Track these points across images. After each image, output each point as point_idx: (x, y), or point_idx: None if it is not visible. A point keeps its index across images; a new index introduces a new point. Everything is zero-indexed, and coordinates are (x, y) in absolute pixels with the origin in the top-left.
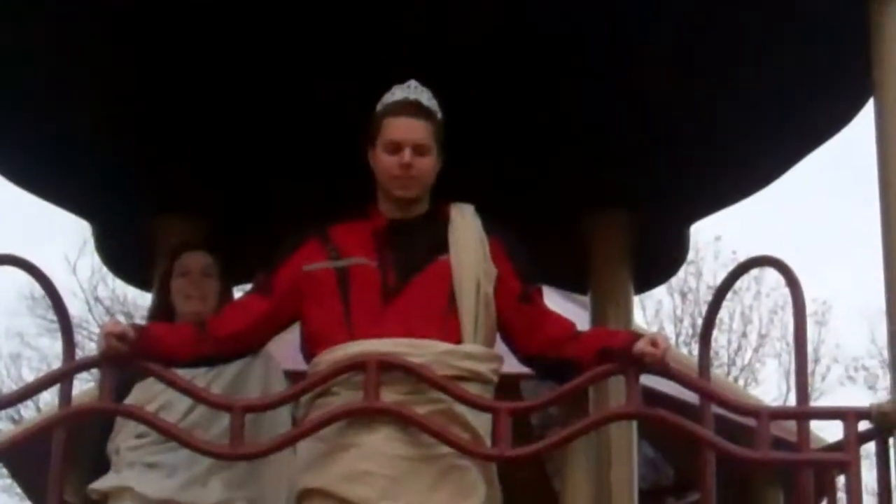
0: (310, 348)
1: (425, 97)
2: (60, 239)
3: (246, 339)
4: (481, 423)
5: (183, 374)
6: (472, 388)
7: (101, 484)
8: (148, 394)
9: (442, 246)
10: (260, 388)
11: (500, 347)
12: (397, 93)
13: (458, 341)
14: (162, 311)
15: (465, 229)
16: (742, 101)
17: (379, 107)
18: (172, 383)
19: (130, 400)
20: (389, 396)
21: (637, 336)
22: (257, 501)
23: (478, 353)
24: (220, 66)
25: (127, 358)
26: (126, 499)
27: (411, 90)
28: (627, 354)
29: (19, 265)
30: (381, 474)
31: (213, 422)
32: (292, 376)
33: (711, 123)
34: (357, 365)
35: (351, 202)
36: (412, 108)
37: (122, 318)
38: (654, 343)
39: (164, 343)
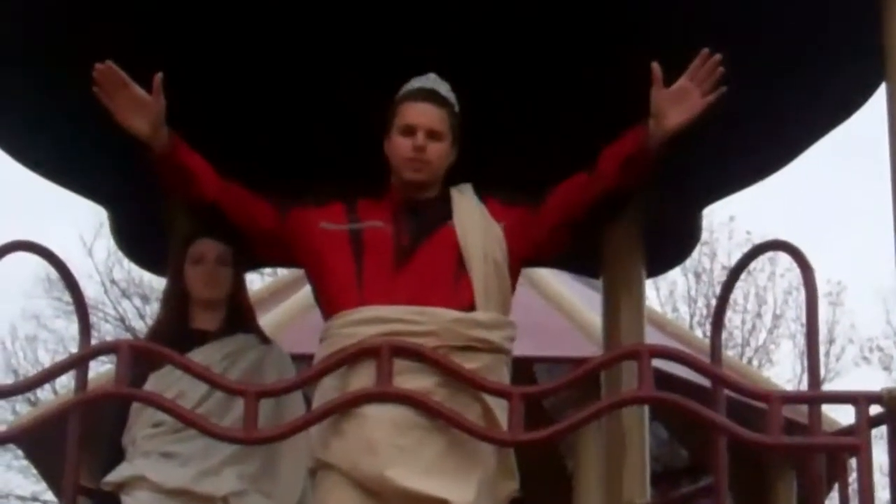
0: (324, 309)
1: (443, 88)
2: (76, 221)
3: (238, 217)
4: (496, 402)
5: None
6: (484, 358)
7: (116, 475)
8: (162, 383)
9: (448, 215)
10: (275, 378)
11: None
12: (416, 83)
13: (471, 304)
14: (176, 296)
15: (466, 202)
16: (756, 85)
17: (397, 96)
18: (187, 369)
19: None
20: (403, 365)
21: (644, 123)
22: (272, 495)
23: (488, 320)
24: (238, 52)
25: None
26: (140, 488)
27: (430, 81)
28: (656, 132)
29: (36, 251)
30: (389, 444)
31: (227, 411)
32: (305, 360)
33: (725, 106)
34: (370, 351)
35: (367, 193)
36: (428, 95)
37: (137, 301)
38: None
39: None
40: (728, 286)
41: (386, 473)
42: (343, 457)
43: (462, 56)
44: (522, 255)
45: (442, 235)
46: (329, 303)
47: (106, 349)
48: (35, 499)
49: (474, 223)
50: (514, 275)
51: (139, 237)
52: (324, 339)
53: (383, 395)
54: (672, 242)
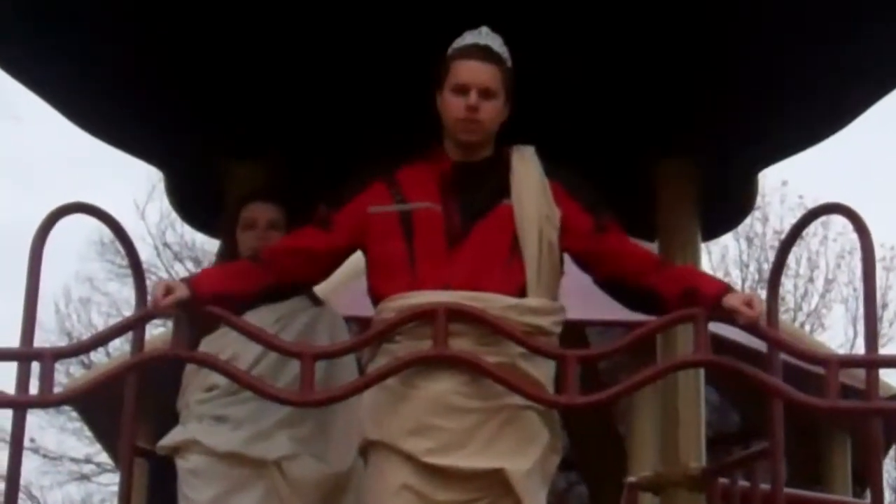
0: (375, 292)
1: (496, 43)
2: (129, 184)
3: (302, 269)
4: (542, 375)
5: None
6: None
7: (169, 439)
8: (215, 346)
9: (504, 191)
10: (327, 340)
11: (564, 292)
12: (468, 38)
13: (522, 288)
14: (229, 259)
15: (526, 174)
16: (811, 47)
17: (449, 51)
18: (242, 329)
19: None
20: (454, 347)
21: (728, 287)
22: (323, 458)
23: (541, 306)
24: (289, 10)
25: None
26: (193, 452)
27: (482, 36)
28: (717, 304)
29: (92, 213)
30: (444, 427)
31: (280, 374)
32: (359, 322)
33: (780, 70)
34: (425, 313)
35: (420, 148)
36: (481, 52)
37: (190, 264)
38: (749, 303)
39: (218, 285)
40: (785, 249)
41: (441, 455)
42: (397, 436)
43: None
44: (566, 248)
45: (497, 215)
46: (381, 286)
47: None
48: (88, 460)
49: (532, 201)
50: (563, 259)
51: (194, 199)
52: (375, 322)
53: (439, 356)
54: (728, 205)
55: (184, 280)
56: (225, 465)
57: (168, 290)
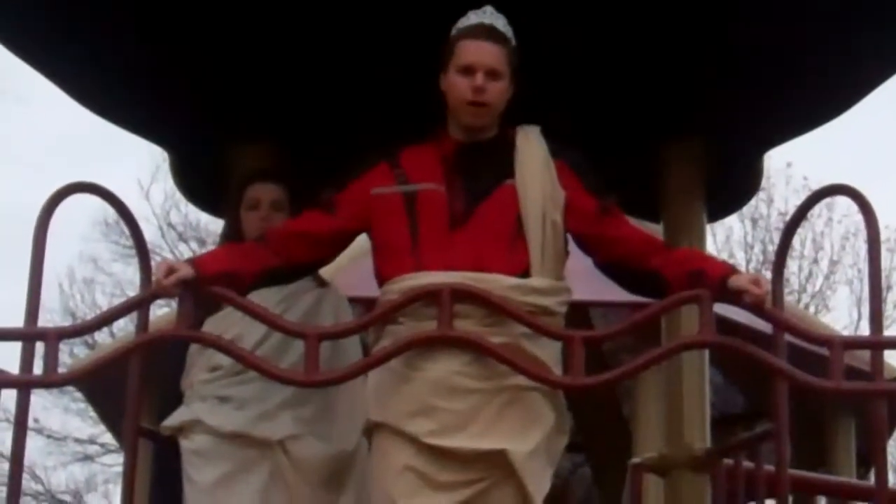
0: (379, 274)
1: (500, 22)
2: (133, 165)
3: (307, 252)
4: (547, 356)
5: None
6: (538, 322)
7: (173, 420)
8: (219, 326)
9: (508, 171)
10: (332, 321)
11: (568, 273)
12: (472, 17)
13: (526, 269)
14: (232, 240)
15: (531, 154)
16: (817, 29)
17: (453, 31)
18: (246, 310)
19: None
20: (458, 328)
21: (734, 268)
22: (328, 438)
23: (545, 287)
24: None
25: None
26: (197, 432)
27: (486, 15)
28: (723, 285)
29: (97, 192)
30: (446, 408)
31: (284, 355)
32: (363, 303)
33: (785, 51)
34: (430, 293)
35: (423, 129)
36: (486, 32)
37: (194, 244)
38: (755, 283)
39: (223, 265)
40: (790, 230)
41: (443, 436)
42: (400, 417)
43: None
44: (569, 229)
45: (501, 195)
46: (385, 267)
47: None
48: (92, 441)
49: (536, 181)
50: (567, 239)
51: (198, 179)
52: (380, 303)
53: (444, 337)
54: (733, 186)
55: (188, 260)
56: (229, 446)
57: (170, 270)
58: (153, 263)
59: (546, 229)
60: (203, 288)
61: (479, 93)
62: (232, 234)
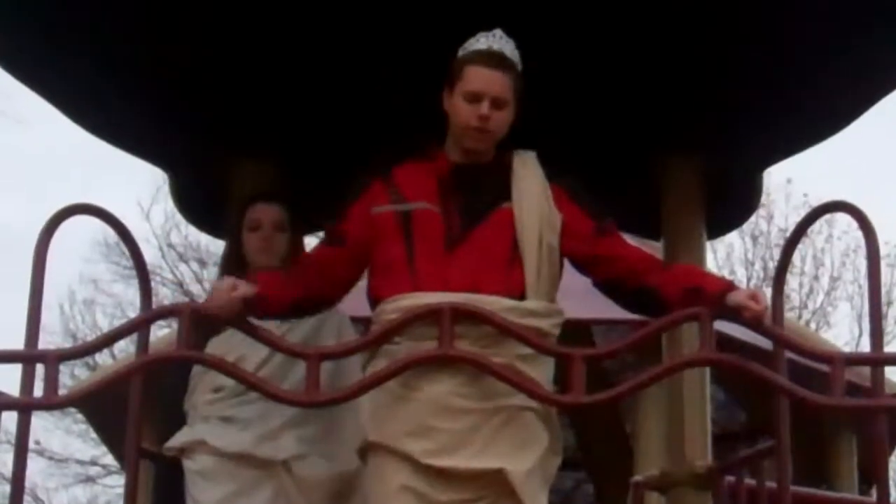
0: (373, 293)
1: (509, 49)
2: (133, 186)
3: (327, 289)
4: (540, 376)
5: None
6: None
7: (176, 440)
8: (222, 348)
9: (505, 193)
10: (334, 342)
11: (569, 292)
12: (482, 41)
13: (521, 292)
14: (234, 261)
15: (528, 178)
16: (816, 45)
17: (461, 52)
18: (249, 331)
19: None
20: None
21: (732, 284)
22: (331, 458)
23: (540, 309)
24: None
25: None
26: (200, 452)
27: (496, 39)
28: (722, 301)
29: (97, 214)
30: (443, 428)
31: (287, 375)
32: (365, 322)
33: (785, 68)
34: (431, 313)
35: (400, 158)
36: (495, 60)
37: (195, 265)
38: (754, 298)
39: (279, 287)
40: (790, 247)
41: (441, 456)
42: (396, 437)
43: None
44: (566, 253)
45: (498, 217)
46: (380, 287)
47: (168, 312)
48: (94, 462)
49: (533, 204)
50: (563, 262)
51: (199, 200)
52: (375, 324)
53: (444, 356)
54: (733, 203)
55: (249, 280)
56: (233, 466)
57: (234, 287)
58: (153, 285)
59: (542, 252)
60: (257, 310)
61: (484, 121)
62: (233, 255)
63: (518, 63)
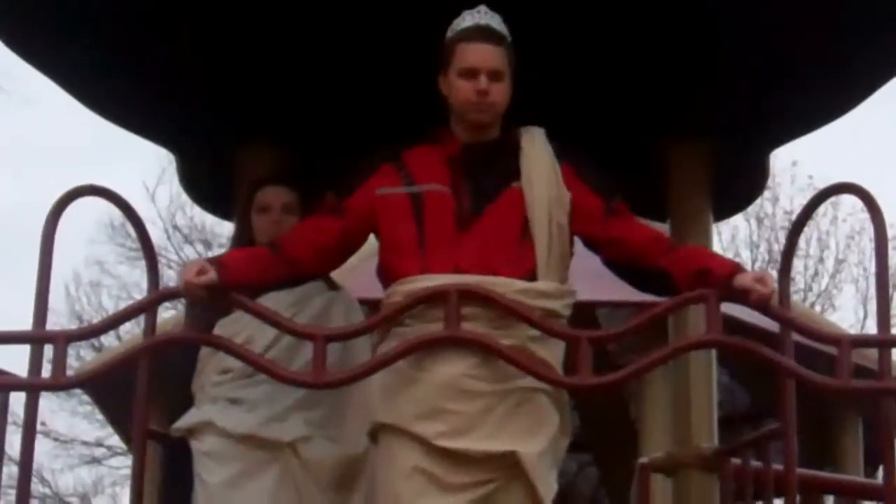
0: (385, 274)
1: (496, 21)
2: (138, 167)
3: (319, 259)
4: (552, 357)
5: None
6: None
7: (183, 422)
8: (230, 329)
9: (514, 173)
10: (342, 324)
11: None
12: (467, 18)
13: (532, 271)
14: (243, 243)
15: (536, 157)
16: (822, 27)
17: (449, 33)
18: (258, 314)
19: None
20: (465, 331)
21: (740, 267)
22: (338, 440)
23: (552, 290)
24: None
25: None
26: (208, 434)
27: (481, 15)
28: (729, 284)
29: (104, 195)
30: (455, 410)
31: (294, 357)
32: (373, 305)
33: (791, 49)
34: (437, 295)
35: (427, 132)
36: (485, 34)
37: (200, 247)
38: (761, 281)
39: (244, 274)
40: (795, 230)
41: (453, 438)
42: (408, 419)
43: None
44: (576, 232)
45: (507, 198)
46: (392, 268)
47: (175, 293)
48: (99, 444)
49: (542, 183)
50: (573, 241)
51: (204, 181)
52: (384, 306)
53: (451, 338)
54: (739, 185)
55: (212, 262)
56: (240, 447)
57: (202, 271)
58: (159, 266)
59: (552, 232)
60: (223, 293)
61: (483, 95)
62: (243, 238)
63: (507, 35)
